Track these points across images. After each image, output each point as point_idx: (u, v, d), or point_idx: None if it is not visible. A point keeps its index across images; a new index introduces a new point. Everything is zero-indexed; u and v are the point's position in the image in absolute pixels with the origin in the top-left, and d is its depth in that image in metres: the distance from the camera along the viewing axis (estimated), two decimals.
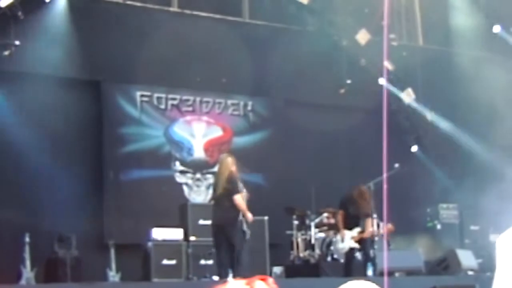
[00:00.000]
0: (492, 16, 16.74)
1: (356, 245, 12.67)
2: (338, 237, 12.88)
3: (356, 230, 12.79)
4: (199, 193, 14.91)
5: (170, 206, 13.56)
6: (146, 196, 14.12)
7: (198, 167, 15.00)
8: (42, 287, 12.13)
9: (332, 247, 13.22)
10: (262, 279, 1.66)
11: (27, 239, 11.58)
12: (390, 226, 12.68)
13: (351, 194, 12.98)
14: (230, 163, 10.57)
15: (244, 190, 10.45)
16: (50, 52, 13.44)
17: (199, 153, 15.09)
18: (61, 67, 13.61)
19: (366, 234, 12.70)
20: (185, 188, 14.86)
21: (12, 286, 11.09)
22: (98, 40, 13.88)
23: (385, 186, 4.92)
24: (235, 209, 10.33)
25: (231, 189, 10.29)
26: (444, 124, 16.68)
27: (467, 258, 12.81)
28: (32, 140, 13.29)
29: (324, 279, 12.40)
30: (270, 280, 1.65)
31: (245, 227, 10.38)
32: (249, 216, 10.38)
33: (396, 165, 13.81)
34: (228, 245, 10.41)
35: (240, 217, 10.36)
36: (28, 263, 11.52)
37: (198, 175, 14.98)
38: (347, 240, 12.74)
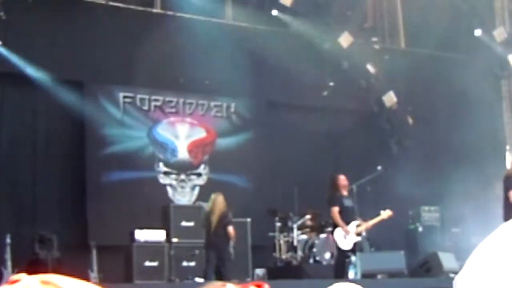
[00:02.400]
0: (474, 20, 16.85)
1: (359, 238, 12.50)
2: (339, 234, 12.33)
3: (354, 223, 12.51)
4: (183, 194, 14.89)
5: (154, 208, 13.54)
6: (129, 198, 14.08)
7: (182, 168, 14.98)
8: None
9: (314, 249, 13.22)
10: (258, 285, 1.65)
11: (8, 240, 11.49)
12: (389, 212, 12.59)
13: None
14: (221, 202, 12.39)
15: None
16: (32, 52, 13.37)
17: (183, 154, 15.08)
18: (44, 68, 13.54)
19: (370, 226, 12.60)
20: (169, 189, 14.84)
21: None
22: (81, 41, 13.82)
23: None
24: (227, 236, 12.20)
25: (227, 222, 12.26)
26: (424, 127, 16.80)
27: (448, 261, 12.88)
28: (13, 141, 13.22)
29: (306, 281, 12.43)
30: (266, 286, 1.64)
31: (231, 248, 12.29)
32: (234, 239, 12.40)
33: (379, 167, 13.91)
34: (216, 263, 12.18)
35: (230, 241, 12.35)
36: (9, 264, 11.43)
37: (182, 176, 14.95)
38: (351, 234, 12.37)
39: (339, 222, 12.23)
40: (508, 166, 16.24)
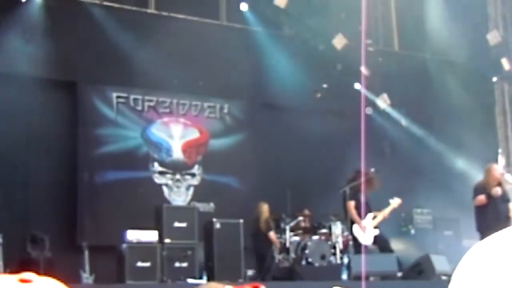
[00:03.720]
0: (467, 23, 16.88)
1: (377, 232, 12.76)
2: (357, 230, 12.67)
3: (370, 216, 12.78)
4: (179, 194, 14.90)
5: (148, 208, 13.50)
6: (122, 198, 14.06)
7: (178, 168, 15.00)
8: None
9: (307, 251, 13.22)
10: (254, 287, 1.65)
11: None
12: (398, 200, 12.85)
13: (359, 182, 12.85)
14: (266, 210, 13.48)
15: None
16: (25, 52, 13.33)
17: (177, 154, 15.09)
18: (37, 68, 13.50)
19: (386, 214, 12.75)
20: (165, 189, 14.84)
21: None
22: (74, 40, 13.78)
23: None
24: (269, 242, 13.24)
25: (269, 228, 13.33)
26: (417, 130, 16.83)
27: (441, 263, 12.87)
28: (6, 141, 13.17)
29: (298, 282, 12.42)
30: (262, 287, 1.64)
31: (275, 253, 13.18)
32: (278, 245, 13.32)
33: (372, 169, 13.89)
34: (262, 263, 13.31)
35: (272, 246, 13.24)
36: (0, 263, 11.40)
37: (177, 176, 14.97)
38: (369, 229, 12.64)
39: (356, 218, 12.63)
40: (500, 169, 16.26)
